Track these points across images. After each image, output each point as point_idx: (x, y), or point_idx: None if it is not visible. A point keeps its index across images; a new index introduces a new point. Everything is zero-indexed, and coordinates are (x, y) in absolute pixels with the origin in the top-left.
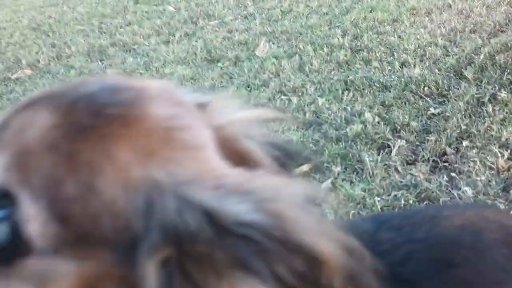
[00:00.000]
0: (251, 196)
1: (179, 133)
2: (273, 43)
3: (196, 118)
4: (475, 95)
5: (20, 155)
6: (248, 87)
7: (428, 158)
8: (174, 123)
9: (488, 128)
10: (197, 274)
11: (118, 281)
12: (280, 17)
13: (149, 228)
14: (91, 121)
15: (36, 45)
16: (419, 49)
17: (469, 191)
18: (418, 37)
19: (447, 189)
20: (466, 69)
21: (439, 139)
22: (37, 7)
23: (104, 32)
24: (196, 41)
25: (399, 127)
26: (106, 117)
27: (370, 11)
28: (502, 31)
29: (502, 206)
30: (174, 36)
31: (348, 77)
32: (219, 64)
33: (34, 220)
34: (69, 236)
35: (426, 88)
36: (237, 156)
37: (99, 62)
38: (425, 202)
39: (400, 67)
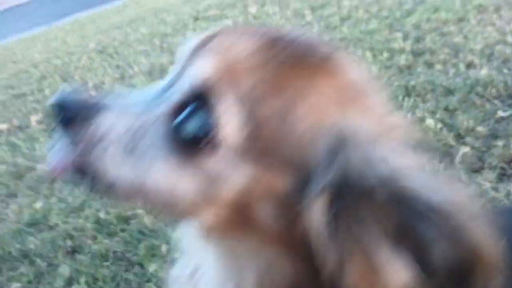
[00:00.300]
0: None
1: (369, 98)
2: None
3: (380, 95)
4: None
5: (229, 63)
6: None
7: (495, 165)
8: (364, 88)
9: None
10: (354, 230)
11: (277, 203)
12: (338, 24)
13: (326, 171)
14: (305, 56)
15: (102, 67)
16: (486, 49)
17: None
18: (486, 35)
19: None
20: None
21: (507, 144)
22: (103, 31)
23: (165, 51)
24: None
25: (463, 133)
26: (319, 59)
27: (434, 12)
28: None
29: None
30: None
31: (409, 82)
32: None
33: (229, 122)
34: (254, 148)
35: (493, 90)
36: None
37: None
38: None
39: (466, 69)
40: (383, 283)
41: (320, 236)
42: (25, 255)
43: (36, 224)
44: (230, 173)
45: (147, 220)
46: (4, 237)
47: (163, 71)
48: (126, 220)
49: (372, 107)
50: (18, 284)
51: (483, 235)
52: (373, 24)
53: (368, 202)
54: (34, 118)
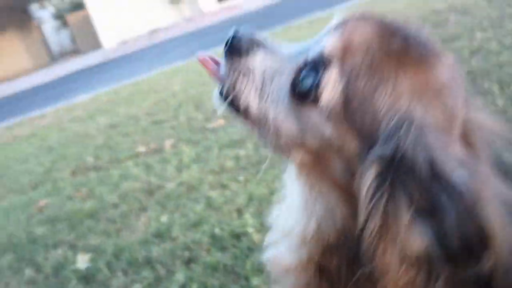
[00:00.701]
0: (469, 171)
1: (448, 97)
2: None
3: (461, 97)
4: None
5: (346, 44)
6: None
7: None
8: (448, 88)
9: None
10: (392, 198)
11: (346, 159)
12: (467, 56)
13: (387, 143)
14: (401, 50)
15: None
16: None
17: None
18: None
19: None
20: None
21: None
22: None
23: None
24: None
25: None
26: (417, 55)
27: None
28: None
29: None
30: None
31: None
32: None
33: (330, 86)
34: (343, 112)
35: None
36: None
37: None
38: None
39: None
40: (401, 246)
41: (365, 196)
42: (148, 262)
43: (160, 235)
44: (321, 126)
45: (256, 237)
46: (133, 245)
47: None
48: (237, 236)
49: (447, 106)
50: (139, 285)
51: (498, 219)
52: (505, 56)
53: (410, 178)
54: (168, 143)
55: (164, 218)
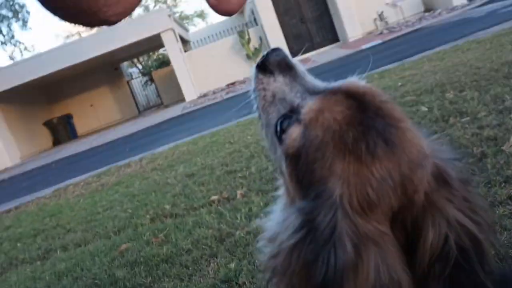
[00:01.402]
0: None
1: (371, 191)
2: None
3: (401, 192)
4: None
5: (317, 113)
6: (489, 183)
7: None
8: (377, 185)
9: None
10: (302, 250)
11: (291, 195)
12: None
13: (309, 204)
14: (350, 142)
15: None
16: None
17: None
18: None
19: None
20: None
21: None
22: None
23: None
24: (443, 139)
25: None
26: (355, 147)
27: None
28: None
29: None
30: None
31: None
32: (462, 161)
33: (291, 139)
34: (293, 162)
35: None
36: (414, 227)
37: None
38: None
39: None
40: None
41: (285, 235)
42: None
43: (228, 281)
44: (281, 161)
45: None
46: None
47: None
48: None
49: (370, 195)
50: None
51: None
52: None
53: (313, 239)
54: (239, 192)
55: (232, 265)
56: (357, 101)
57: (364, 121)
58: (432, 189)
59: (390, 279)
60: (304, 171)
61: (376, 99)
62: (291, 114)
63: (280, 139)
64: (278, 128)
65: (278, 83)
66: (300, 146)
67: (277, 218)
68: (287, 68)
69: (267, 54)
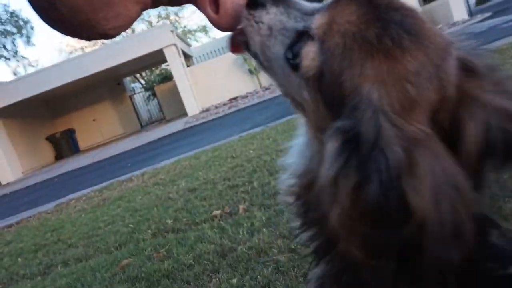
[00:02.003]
0: (414, 147)
1: (409, 86)
2: None
3: (437, 84)
4: None
5: (330, 23)
6: (493, 197)
7: None
8: (413, 78)
9: None
10: (347, 167)
11: (319, 121)
12: None
13: (347, 119)
14: (373, 39)
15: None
16: None
17: None
18: None
19: None
20: None
21: None
22: None
23: None
24: None
25: None
26: (381, 43)
27: None
28: None
29: None
30: None
31: None
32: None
33: (309, 58)
34: (316, 83)
35: None
36: (453, 123)
37: None
38: None
39: None
40: (345, 206)
41: (326, 158)
42: None
43: None
44: (301, 89)
45: None
46: None
47: None
48: None
49: (409, 93)
50: None
51: (426, 195)
52: None
53: (360, 150)
54: (241, 207)
55: (234, 280)
56: (365, 2)
57: (380, 16)
58: (461, 79)
59: (447, 180)
60: (332, 89)
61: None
62: (298, 38)
63: (294, 67)
64: (290, 55)
65: (272, 14)
66: (322, 63)
67: (303, 153)
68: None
69: None
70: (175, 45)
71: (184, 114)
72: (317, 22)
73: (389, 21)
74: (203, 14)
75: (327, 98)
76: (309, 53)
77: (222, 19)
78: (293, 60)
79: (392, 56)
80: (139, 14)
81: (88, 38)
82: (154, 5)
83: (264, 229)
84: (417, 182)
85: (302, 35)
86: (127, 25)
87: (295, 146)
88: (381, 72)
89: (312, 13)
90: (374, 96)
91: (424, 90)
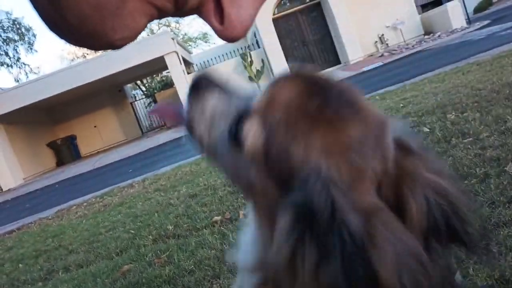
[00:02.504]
0: (366, 217)
1: (355, 155)
2: None
3: (380, 154)
4: None
5: (271, 100)
6: (493, 204)
7: None
8: (358, 147)
9: None
10: (303, 242)
11: (269, 203)
12: None
13: (298, 192)
14: (315, 111)
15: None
16: None
17: None
18: None
19: None
20: None
21: None
22: None
23: None
24: (446, 160)
25: None
26: (323, 114)
27: None
28: None
29: None
30: None
31: None
32: (465, 181)
33: (252, 136)
34: (263, 160)
35: None
36: (394, 200)
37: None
38: None
39: None
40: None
41: (279, 237)
42: None
43: None
44: (246, 169)
45: None
46: None
47: None
48: None
49: (355, 162)
50: None
51: (388, 264)
52: None
53: (314, 225)
54: (242, 212)
55: (235, 286)
56: (304, 78)
57: (319, 90)
58: (398, 156)
59: (406, 251)
60: (279, 165)
61: (320, 75)
62: (240, 119)
63: (239, 147)
64: (233, 137)
65: (215, 100)
66: (266, 140)
67: (255, 244)
68: (218, 86)
69: (195, 78)
70: (176, 52)
71: None
72: (258, 101)
73: (328, 95)
74: (208, 25)
75: (275, 175)
76: (252, 132)
77: (227, 31)
78: (237, 141)
79: (335, 127)
80: (146, 26)
81: (95, 47)
82: (160, 17)
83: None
84: (379, 253)
85: (244, 115)
86: (133, 36)
87: (245, 238)
88: (326, 143)
89: (253, 95)
90: (322, 167)
91: (369, 160)
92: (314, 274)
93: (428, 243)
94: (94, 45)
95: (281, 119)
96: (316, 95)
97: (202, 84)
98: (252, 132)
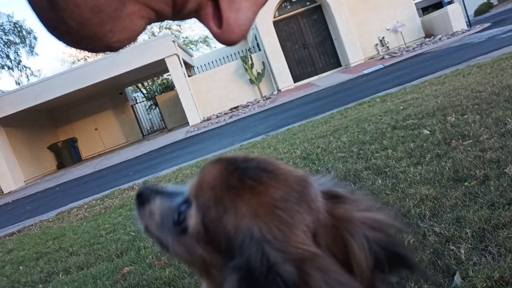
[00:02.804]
0: (303, 265)
1: (281, 212)
2: None
3: (306, 207)
4: None
5: (199, 183)
6: (492, 205)
7: None
8: (282, 205)
9: None
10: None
11: (219, 273)
12: None
13: (238, 256)
14: (237, 183)
15: (303, 171)
16: None
17: None
18: None
19: None
20: None
21: None
22: (309, 139)
23: (361, 157)
24: (445, 162)
25: None
26: (244, 184)
27: None
28: None
29: None
30: (425, 158)
31: None
32: (465, 183)
33: (192, 218)
34: (204, 236)
35: None
36: (338, 245)
37: (352, 184)
38: None
39: None
40: None
41: None
42: None
43: None
44: (194, 248)
45: None
46: None
47: (356, 176)
48: None
49: (282, 218)
50: None
51: None
52: None
53: (255, 280)
54: None
55: None
56: (225, 160)
57: (238, 166)
58: (331, 206)
59: None
60: (218, 236)
61: (239, 155)
62: (180, 208)
63: (184, 231)
64: (178, 225)
65: (157, 202)
66: (202, 217)
67: None
68: (158, 192)
69: (138, 192)
70: (176, 55)
71: (186, 123)
72: (190, 188)
73: (247, 168)
74: (206, 29)
75: (217, 247)
76: (191, 214)
77: (225, 34)
78: (181, 226)
79: (257, 192)
80: (144, 29)
81: (93, 50)
82: (158, 20)
83: None
84: None
85: (183, 205)
86: (132, 38)
87: None
88: (252, 207)
89: (186, 188)
90: (254, 230)
91: (295, 213)
92: None
93: (374, 278)
94: (93, 48)
95: (210, 197)
96: (236, 171)
97: (145, 194)
98: (191, 214)
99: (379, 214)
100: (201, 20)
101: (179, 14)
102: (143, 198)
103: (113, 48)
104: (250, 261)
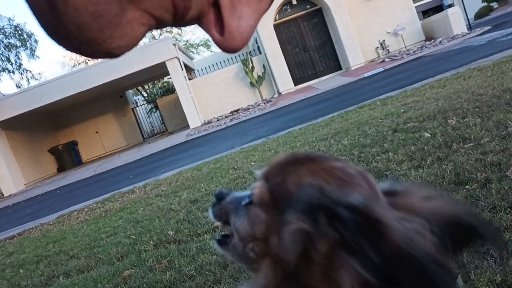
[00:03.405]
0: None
1: (342, 173)
2: None
3: (364, 180)
4: None
5: (267, 169)
6: (494, 209)
7: None
8: (342, 171)
9: None
10: (320, 240)
11: (276, 240)
12: None
13: (302, 203)
14: (301, 157)
15: None
16: None
17: None
18: None
19: None
20: None
21: None
22: (310, 142)
23: (362, 160)
24: (447, 165)
25: None
26: (307, 158)
27: None
28: None
29: None
30: (426, 161)
31: None
32: (467, 186)
33: (258, 188)
34: (267, 201)
35: None
36: None
37: None
38: None
39: None
40: (337, 283)
41: (291, 243)
42: None
43: None
44: (257, 215)
45: None
46: None
47: None
48: None
49: (337, 175)
50: None
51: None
52: None
53: (322, 220)
54: None
55: None
56: (289, 152)
57: (302, 153)
58: (389, 199)
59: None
60: (281, 195)
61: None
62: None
63: (250, 204)
64: (246, 201)
65: (228, 200)
66: (268, 186)
67: None
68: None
69: (215, 195)
70: (177, 58)
71: (186, 126)
72: (262, 170)
73: (310, 153)
74: (208, 35)
75: (279, 208)
76: (257, 185)
77: (227, 42)
78: (249, 198)
79: (318, 161)
80: (143, 35)
81: (92, 55)
82: (158, 27)
83: None
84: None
85: (251, 194)
86: (131, 44)
87: None
88: (313, 170)
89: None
90: (314, 182)
91: (353, 178)
92: (330, 261)
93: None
94: (92, 53)
95: (276, 169)
96: (300, 154)
97: (223, 193)
98: (258, 188)
99: (440, 202)
100: (203, 27)
101: (180, 21)
102: (220, 195)
103: (112, 54)
104: (312, 202)
